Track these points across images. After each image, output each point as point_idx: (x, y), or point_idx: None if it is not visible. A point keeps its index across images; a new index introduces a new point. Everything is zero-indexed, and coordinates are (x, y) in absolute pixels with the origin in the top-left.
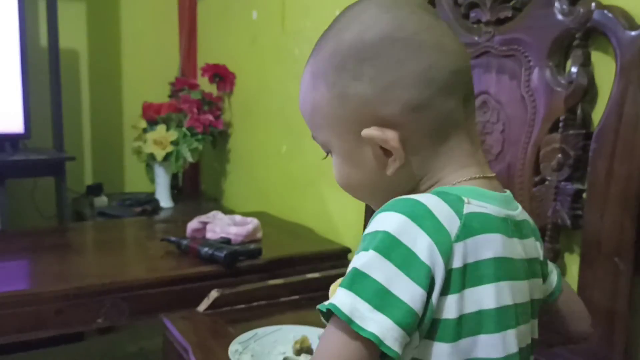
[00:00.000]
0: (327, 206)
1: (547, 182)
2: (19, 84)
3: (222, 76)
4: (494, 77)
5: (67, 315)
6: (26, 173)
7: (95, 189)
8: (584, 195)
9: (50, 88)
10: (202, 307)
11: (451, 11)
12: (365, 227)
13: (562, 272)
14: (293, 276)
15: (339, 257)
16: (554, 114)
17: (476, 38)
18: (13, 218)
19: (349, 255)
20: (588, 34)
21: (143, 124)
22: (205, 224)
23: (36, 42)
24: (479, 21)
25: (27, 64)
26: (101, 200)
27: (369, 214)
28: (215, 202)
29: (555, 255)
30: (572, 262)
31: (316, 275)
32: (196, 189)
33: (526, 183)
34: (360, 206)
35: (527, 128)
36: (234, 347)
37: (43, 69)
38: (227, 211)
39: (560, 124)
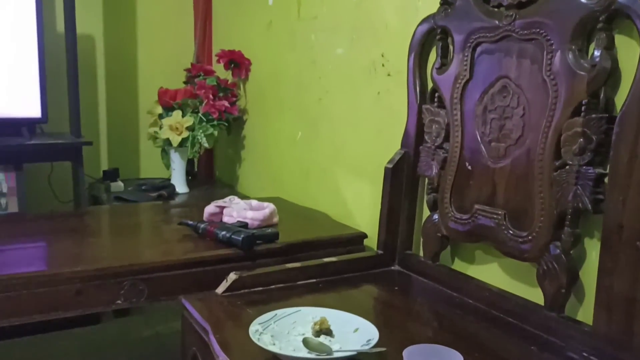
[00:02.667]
0: (342, 192)
1: (568, 167)
2: (36, 69)
3: (237, 62)
4: (514, 61)
5: (86, 296)
6: (43, 157)
7: (111, 174)
8: (606, 179)
9: (67, 73)
10: (220, 290)
11: None
12: (380, 212)
13: (583, 257)
14: (309, 260)
15: (355, 242)
16: (576, 98)
17: (497, 22)
18: (30, 202)
19: (365, 241)
20: (612, 17)
21: (159, 109)
22: (222, 208)
23: (53, 28)
24: (499, 5)
25: (44, 49)
26: (117, 185)
27: (385, 199)
28: (229, 188)
29: (575, 240)
30: (592, 248)
31: (333, 259)
32: (211, 175)
33: (546, 168)
34: (376, 192)
35: (548, 112)
36: (254, 327)
37: (60, 55)
38: (242, 197)
39: (583, 108)
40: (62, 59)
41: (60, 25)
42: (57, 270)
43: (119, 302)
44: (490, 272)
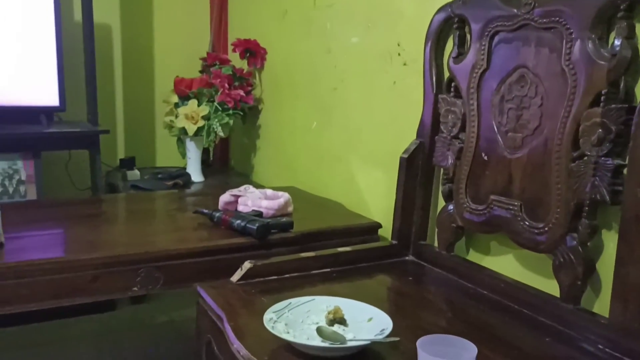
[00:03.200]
0: (356, 181)
1: (586, 158)
2: (54, 59)
3: (253, 51)
4: (532, 50)
5: (103, 283)
6: (61, 145)
7: (127, 163)
8: (624, 171)
9: (85, 62)
10: (235, 278)
11: None
12: (395, 202)
13: (600, 249)
14: (324, 249)
15: (369, 232)
16: (595, 88)
17: (515, 10)
18: (48, 189)
19: (379, 231)
20: (633, 5)
21: (175, 98)
22: (237, 197)
23: (70, 17)
24: None
25: (62, 38)
26: (133, 174)
27: (400, 189)
28: (244, 177)
29: (592, 232)
30: (610, 239)
31: (347, 249)
32: (226, 164)
33: (564, 158)
34: (390, 182)
35: (566, 102)
36: (268, 315)
37: (77, 44)
38: (257, 186)
39: (602, 98)
40: (79, 48)
41: (78, 15)
42: (74, 256)
43: (135, 289)
44: (505, 263)
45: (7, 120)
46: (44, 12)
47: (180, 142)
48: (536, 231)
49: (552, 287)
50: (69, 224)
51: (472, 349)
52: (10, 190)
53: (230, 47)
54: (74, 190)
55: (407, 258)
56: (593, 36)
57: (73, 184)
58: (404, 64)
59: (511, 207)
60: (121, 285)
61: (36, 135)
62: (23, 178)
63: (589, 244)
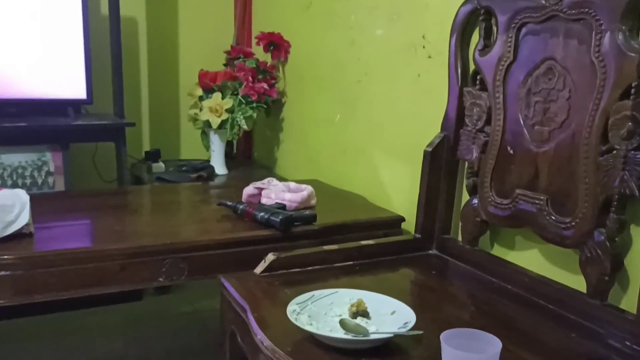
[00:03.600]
0: (379, 174)
1: (615, 151)
2: (81, 52)
3: (276, 44)
4: (560, 42)
5: (130, 273)
6: (88, 138)
7: (153, 155)
8: None
9: (111, 56)
10: (258, 270)
11: None
12: (419, 195)
13: (628, 244)
14: (347, 242)
15: (392, 226)
16: (625, 80)
17: (543, 2)
18: (75, 181)
19: (403, 224)
20: None
21: (199, 91)
22: (260, 189)
23: (97, 11)
24: None
25: (89, 32)
26: (158, 166)
27: (424, 183)
28: (267, 170)
29: (621, 227)
30: (639, 234)
31: (370, 242)
32: (249, 156)
33: (592, 152)
34: (414, 175)
35: (595, 95)
36: (291, 307)
37: (104, 37)
38: (280, 179)
39: (632, 91)
40: (106, 41)
41: (105, 9)
42: (102, 246)
43: (160, 279)
44: (531, 258)
45: (36, 113)
46: (72, 7)
47: (205, 135)
48: (563, 226)
49: (578, 283)
50: (96, 214)
51: (496, 344)
52: (39, 181)
53: (254, 41)
54: (100, 182)
55: (430, 252)
56: (623, 28)
57: (99, 176)
58: (429, 57)
59: (537, 202)
60: (147, 275)
61: (64, 127)
62: (51, 169)
63: (617, 239)
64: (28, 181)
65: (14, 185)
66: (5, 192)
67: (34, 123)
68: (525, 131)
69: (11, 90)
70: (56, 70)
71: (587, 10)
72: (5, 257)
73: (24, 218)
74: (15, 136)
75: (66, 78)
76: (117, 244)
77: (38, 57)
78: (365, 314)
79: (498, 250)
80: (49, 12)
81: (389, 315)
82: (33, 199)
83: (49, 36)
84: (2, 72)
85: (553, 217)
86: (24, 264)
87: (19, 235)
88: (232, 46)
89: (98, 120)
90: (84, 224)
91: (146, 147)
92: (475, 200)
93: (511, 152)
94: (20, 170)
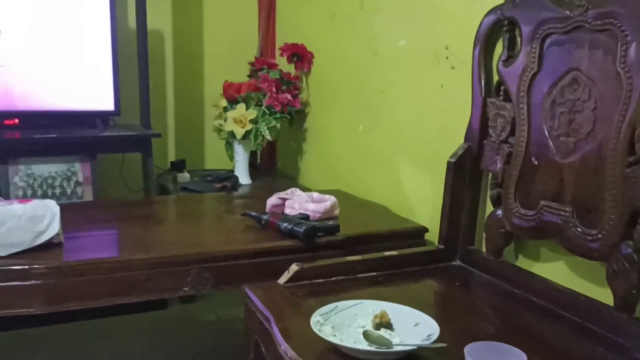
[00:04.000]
0: (402, 185)
1: None
2: (109, 65)
3: (300, 55)
4: (586, 53)
5: (156, 282)
6: (116, 148)
7: (178, 165)
8: None
9: (138, 68)
10: (282, 280)
11: None
12: (442, 206)
13: None
14: (370, 253)
15: (416, 236)
16: None
17: (568, 12)
18: (103, 190)
19: (426, 235)
20: None
21: (224, 102)
22: (284, 200)
23: (125, 24)
24: None
25: (117, 45)
26: (184, 176)
27: (447, 194)
28: (291, 180)
29: None
30: None
31: (394, 253)
32: (273, 166)
33: (619, 163)
34: (437, 185)
35: (621, 105)
36: (315, 318)
37: (131, 50)
38: (303, 189)
39: None
40: (133, 54)
41: (132, 22)
42: (130, 256)
43: (185, 288)
44: (556, 270)
45: (66, 124)
46: (100, 21)
47: (229, 145)
48: (589, 238)
49: (605, 295)
50: (123, 224)
51: (521, 357)
52: (68, 191)
53: (277, 52)
54: (127, 192)
55: (454, 263)
56: None
57: (126, 186)
58: (452, 67)
59: (562, 213)
60: (173, 284)
61: (93, 138)
62: (80, 180)
63: None
64: (57, 191)
65: (44, 195)
66: (37, 202)
67: (64, 134)
68: (550, 142)
69: (42, 103)
70: (85, 82)
71: (612, 21)
72: (36, 266)
73: (54, 228)
74: (45, 147)
75: (95, 90)
76: (143, 253)
77: (68, 70)
78: (388, 326)
79: (523, 262)
80: (78, 26)
81: (413, 327)
82: (62, 209)
83: (78, 50)
84: (34, 85)
85: (579, 229)
86: (54, 273)
87: (49, 245)
88: (256, 57)
89: (125, 131)
90: (111, 233)
91: (171, 157)
92: (500, 211)
93: (536, 163)
94: (50, 181)
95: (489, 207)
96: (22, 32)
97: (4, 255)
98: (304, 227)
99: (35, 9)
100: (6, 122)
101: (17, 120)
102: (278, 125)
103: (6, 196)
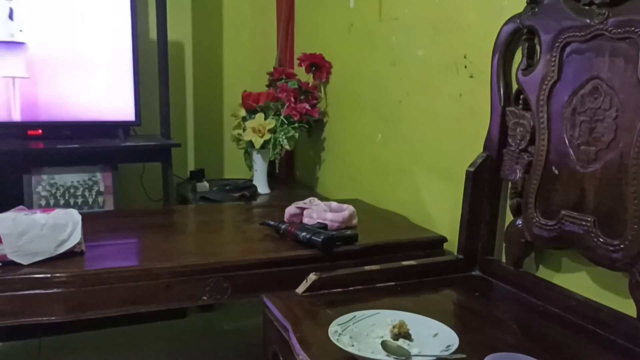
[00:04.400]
0: (421, 194)
1: None
2: (130, 76)
3: (318, 65)
4: (606, 61)
5: (175, 291)
6: (136, 158)
7: (197, 175)
8: None
9: (159, 79)
10: (300, 289)
11: None
12: (461, 216)
13: None
14: (388, 263)
15: (434, 246)
16: None
17: (587, 21)
18: (124, 199)
19: (445, 245)
20: None
21: (242, 112)
22: (302, 209)
23: (146, 36)
24: (591, 2)
25: (138, 57)
26: (203, 186)
27: (466, 203)
28: (309, 189)
29: None
30: None
31: (412, 262)
32: (291, 176)
33: None
34: (456, 195)
35: None
36: (333, 328)
37: (152, 61)
38: (321, 198)
39: None
40: (154, 64)
41: (153, 34)
42: (150, 265)
43: (204, 298)
44: (578, 280)
45: (87, 134)
46: (122, 32)
47: (248, 155)
48: (611, 248)
49: (628, 307)
50: (144, 233)
51: None
52: (90, 200)
53: (296, 62)
54: (147, 201)
55: (473, 273)
56: None
57: (147, 195)
58: (471, 76)
59: (584, 223)
60: (192, 293)
61: (114, 148)
62: (101, 189)
63: None
64: (79, 200)
65: (66, 205)
66: (59, 212)
67: (86, 144)
68: (571, 151)
69: (65, 113)
70: (107, 93)
71: (632, 29)
72: (58, 274)
73: (76, 237)
74: (68, 157)
75: (116, 101)
76: (163, 262)
77: (90, 81)
78: (407, 336)
79: (543, 272)
80: (100, 38)
81: (432, 338)
82: (84, 218)
83: (100, 61)
84: (57, 96)
85: (601, 239)
86: (76, 282)
87: (71, 254)
88: (274, 68)
89: (146, 141)
90: (132, 242)
91: (191, 166)
92: (520, 221)
93: (556, 172)
94: (72, 190)
95: (509, 217)
96: (46, 44)
97: (27, 264)
98: (322, 237)
99: (58, 21)
100: (30, 132)
101: (40, 131)
102: (296, 135)
103: (29, 205)
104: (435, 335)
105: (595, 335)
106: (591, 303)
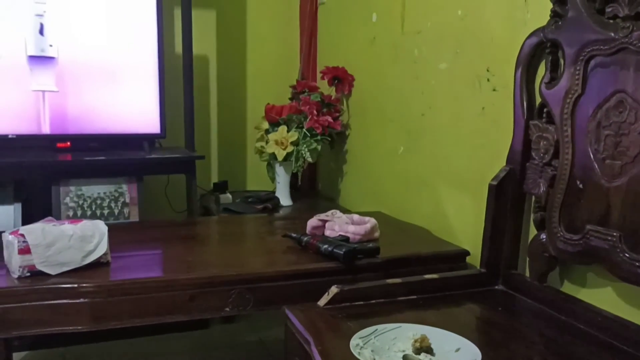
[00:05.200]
0: (443, 207)
1: None
2: (156, 89)
3: (340, 78)
4: (631, 74)
5: (199, 302)
6: (161, 170)
7: (220, 186)
8: None
9: (184, 92)
10: (322, 302)
11: (584, 7)
12: (484, 229)
13: None
14: (410, 276)
15: (457, 260)
16: None
17: (612, 34)
18: (149, 211)
19: (467, 258)
20: None
21: (265, 125)
22: (324, 222)
23: (172, 50)
24: (615, 16)
25: (164, 71)
26: (226, 197)
27: (489, 217)
28: (331, 202)
29: None
30: None
31: (434, 276)
32: (313, 188)
33: None
34: (479, 208)
35: None
36: (354, 341)
37: (177, 75)
38: (343, 210)
39: None
40: (179, 77)
41: (179, 48)
42: (174, 276)
43: (227, 309)
44: (604, 296)
45: (114, 147)
46: (149, 46)
47: (270, 167)
48: (637, 264)
49: None
50: (168, 244)
51: None
52: (116, 211)
53: (319, 75)
54: (171, 212)
55: (496, 287)
56: None
57: (171, 206)
58: (494, 90)
59: (609, 238)
60: (215, 305)
61: (140, 160)
62: (127, 200)
63: None
64: (106, 211)
65: (93, 215)
66: (87, 223)
67: (112, 157)
68: (596, 165)
69: (93, 126)
70: (133, 107)
71: None
72: (85, 284)
73: (103, 247)
74: (95, 169)
75: (142, 114)
76: (187, 274)
77: (117, 94)
78: (429, 350)
79: (568, 288)
80: (127, 53)
81: (454, 352)
82: (110, 229)
83: (127, 75)
84: (85, 109)
85: (627, 255)
86: (102, 292)
87: (98, 264)
88: (297, 81)
89: (170, 153)
90: (156, 253)
91: (214, 178)
92: (544, 235)
93: (581, 186)
94: (99, 201)
95: (532, 231)
96: (75, 59)
97: (55, 274)
98: (344, 249)
99: (87, 36)
100: (59, 145)
101: (69, 143)
102: (319, 147)
103: (57, 216)
104: (458, 350)
105: (621, 352)
106: (618, 320)
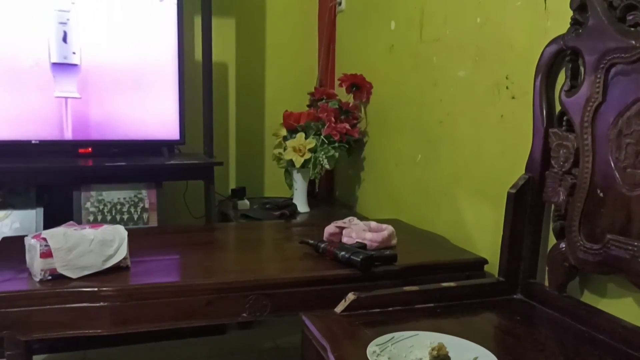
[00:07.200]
0: (461, 215)
1: None
2: (176, 96)
3: (358, 86)
4: None
5: (216, 307)
6: (180, 176)
7: (238, 193)
8: None
9: (203, 99)
10: (339, 309)
11: (604, 15)
12: (502, 238)
13: None
14: (428, 284)
15: (475, 268)
16: None
17: (633, 42)
18: (167, 216)
19: (486, 267)
20: None
21: (283, 132)
22: (341, 228)
23: (192, 58)
24: (636, 24)
25: (183, 78)
26: (244, 204)
27: (508, 225)
28: (348, 209)
29: None
30: None
31: (452, 284)
32: (331, 195)
33: None
34: (498, 216)
35: None
36: (371, 348)
37: (197, 81)
38: (361, 218)
39: None
40: (198, 84)
41: (198, 55)
42: (192, 282)
43: (244, 315)
44: (626, 307)
45: (134, 153)
46: (169, 53)
47: (288, 174)
48: None
49: None
50: (186, 250)
51: None
52: (135, 217)
53: (336, 82)
54: (189, 218)
55: (515, 296)
56: None
57: (189, 212)
58: (513, 97)
59: (630, 248)
60: (232, 310)
61: (159, 166)
62: (146, 206)
63: None
64: (125, 216)
65: (113, 220)
66: (107, 227)
67: (133, 162)
68: (617, 174)
69: (114, 132)
70: (153, 113)
71: None
72: (105, 288)
73: (122, 252)
74: (115, 175)
75: (162, 121)
76: (204, 279)
77: (137, 101)
78: (446, 359)
79: (588, 297)
80: (148, 60)
81: None
82: (129, 233)
83: (148, 82)
84: (107, 116)
85: None
86: (121, 296)
87: (117, 269)
88: (315, 88)
89: (189, 159)
90: (174, 259)
91: (232, 184)
92: (563, 245)
93: (601, 195)
94: (118, 206)
95: (552, 240)
96: (97, 66)
97: (75, 278)
98: (361, 256)
99: (109, 44)
100: (81, 151)
101: (90, 149)
102: (336, 154)
103: (78, 221)
104: (475, 359)
105: None
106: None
